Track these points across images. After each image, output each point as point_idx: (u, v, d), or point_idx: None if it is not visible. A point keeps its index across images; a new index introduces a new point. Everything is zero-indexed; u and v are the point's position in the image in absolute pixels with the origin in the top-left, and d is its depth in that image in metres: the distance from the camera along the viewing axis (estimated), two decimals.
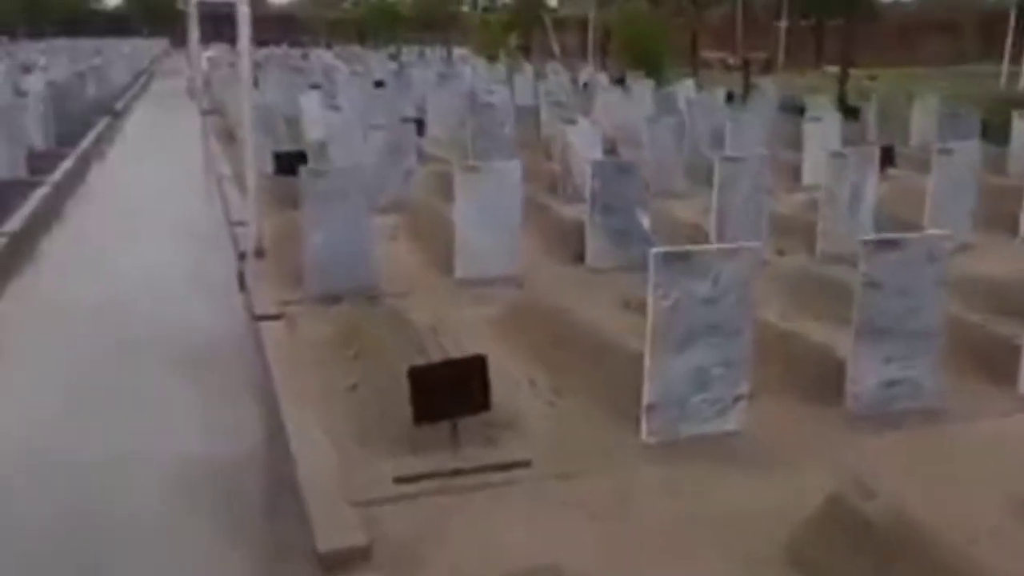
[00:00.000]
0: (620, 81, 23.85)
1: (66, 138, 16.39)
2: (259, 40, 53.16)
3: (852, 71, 32.67)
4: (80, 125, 18.05)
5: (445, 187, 11.93)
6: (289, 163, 10.75)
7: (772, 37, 43.12)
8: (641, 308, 7.26)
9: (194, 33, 35.37)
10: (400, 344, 6.13)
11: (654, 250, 4.57)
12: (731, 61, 40.95)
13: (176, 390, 6.12)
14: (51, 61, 29.43)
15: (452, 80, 24.56)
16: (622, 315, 6.96)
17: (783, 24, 41.65)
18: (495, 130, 11.26)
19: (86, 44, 45.20)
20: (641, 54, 27.87)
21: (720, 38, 42.74)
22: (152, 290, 8.40)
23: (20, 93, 15.39)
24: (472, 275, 7.79)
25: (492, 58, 35.51)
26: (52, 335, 7.29)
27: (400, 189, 10.89)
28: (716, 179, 8.26)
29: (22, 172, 12.74)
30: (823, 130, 12.18)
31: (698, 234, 9.03)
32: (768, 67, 38.35)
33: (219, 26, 47.08)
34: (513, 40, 41.80)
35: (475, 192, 7.70)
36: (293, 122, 15.62)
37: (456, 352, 5.94)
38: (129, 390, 6.11)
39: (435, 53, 44.06)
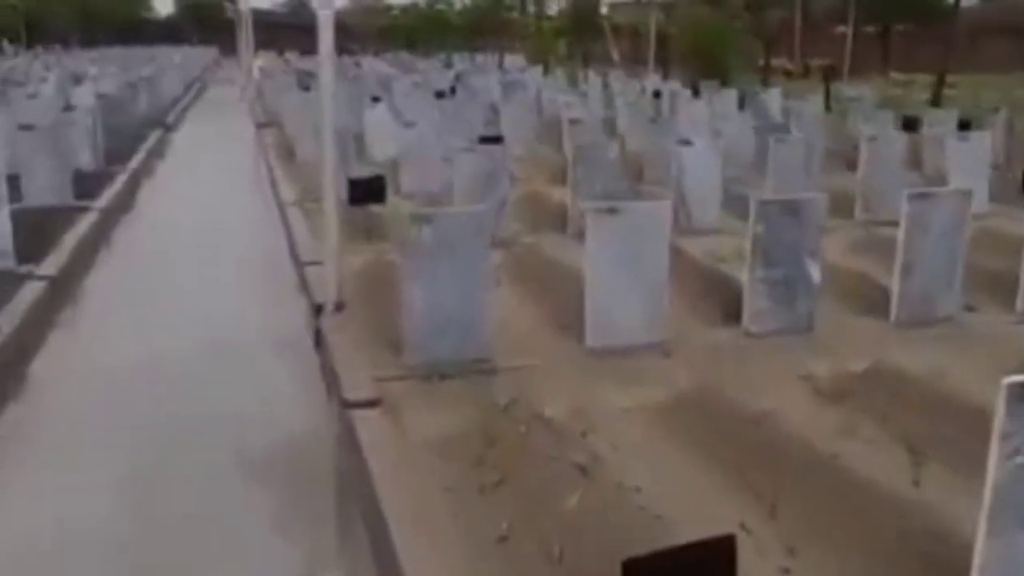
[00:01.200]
0: (694, 90, 22.08)
1: (116, 155, 14.96)
2: (305, 49, 51.78)
3: (920, 78, 30.64)
4: (130, 140, 16.63)
5: (542, 217, 10.38)
6: (367, 190, 9.17)
7: (831, 43, 41.06)
8: (835, 393, 5.55)
9: (245, 42, 34.12)
10: (548, 457, 4.49)
11: (1007, 381, 2.88)
12: (791, 68, 39.00)
13: (234, 534, 4.46)
14: (102, 71, 28.21)
15: (516, 89, 22.94)
16: (818, 405, 5.28)
17: (846, 29, 39.59)
18: (595, 154, 9.59)
19: (137, 53, 44.19)
20: (709, 61, 26.08)
21: (775, 44, 40.78)
22: (208, 352, 6.83)
23: (68, 107, 14.00)
24: (608, 342, 6.13)
25: (543, 64, 33.92)
26: (88, 417, 5.74)
27: (495, 221, 9.25)
28: (903, 220, 6.52)
29: (68, 196, 11.27)
30: (971, 150, 10.38)
31: (870, 287, 7.31)
32: (832, 74, 36.35)
33: (268, 34, 45.88)
34: (562, 47, 40.19)
35: (613, 239, 6.03)
36: (356, 138, 14.05)
37: (627, 470, 4.30)
38: (172, 521, 4.51)
39: (485, 60, 42.52)
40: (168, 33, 75.50)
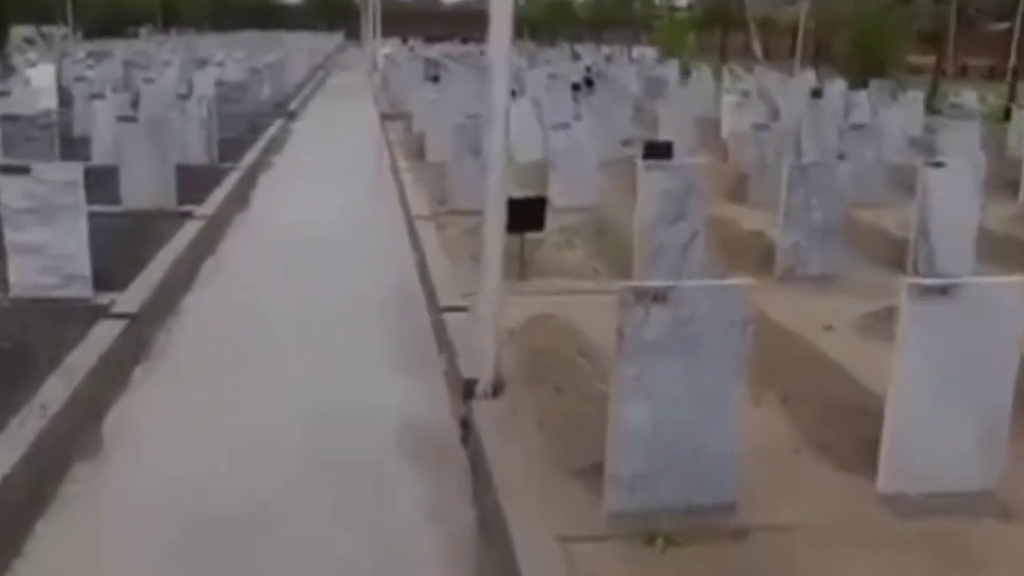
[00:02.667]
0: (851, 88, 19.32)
1: (231, 147, 13.28)
2: (428, 36, 50.26)
3: None
4: (248, 131, 14.98)
5: (731, 250, 8.13)
6: (527, 214, 7.08)
7: (986, 41, 37.24)
8: None
9: (371, 28, 32.61)
10: None
11: None
12: (945, 68, 35.41)
13: None
14: (228, 56, 26.96)
15: (659, 84, 20.63)
16: None
17: (1005, 26, 35.74)
18: (817, 174, 7.25)
19: (266, 38, 43.27)
20: (870, 58, 23.19)
21: (924, 43, 37.15)
22: (315, 450, 4.86)
23: (181, 96, 12.38)
24: (912, 488, 3.90)
25: (678, 58, 31.32)
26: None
27: (681, 265, 7.07)
28: None
29: (170, 199, 9.53)
30: None
31: None
32: (992, 74, 32.75)
33: (393, 20, 44.42)
34: (692, 39, 37.44)
35: (938, 335, 3.78)
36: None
37: None
38: None
39: (612, 52, 40.09)
40: (298, 19, 75.33)
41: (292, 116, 18.95)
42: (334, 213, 10.40)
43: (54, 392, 4.95)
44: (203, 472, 4.55)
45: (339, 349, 6.28)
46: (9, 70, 19.76)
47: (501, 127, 4.96)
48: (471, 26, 60.91)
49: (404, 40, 46.14)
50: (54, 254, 6.57)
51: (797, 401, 4.89)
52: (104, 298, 6.65)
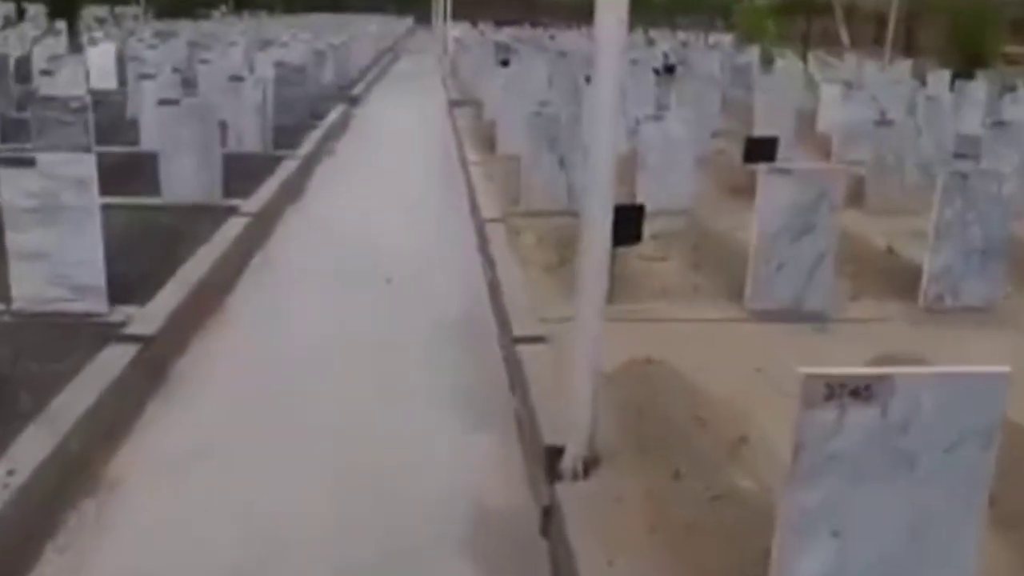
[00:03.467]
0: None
1: (288, 134, 12.21)
2: (498, 20, 48.77)
3: None
4: (308, 116, 13.90)
5: (861, 269, 6.79)
6: (625, 224, 5.79)
7: None
8: None
9: (441, 10, 31.44)
10: None
11: None
12: None
13: None
14: (295, 37, 26.03)
15: (743, 73, 19.10)
16: None
17: None
18: (979, 185, 5.83)
19: (336, 20, 42.31)
20: (971, 47, 21.30)
21: (1015, 31, 34.69)
22: (353, 544, 3.69)
23: (235, 78, 11.35)
24: None
25: (759, 45, 29.53)
26: None
27: (805, 289, 5.75)
28: None
29: (215, 193, 8.46)
30: None
31: None
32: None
33: (463, 4, 43.28)
34: (771, 26, 35.50)
35: None
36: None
37: None
38: None
39: (687, 38, 38.34)
40: (369, 2, 74.46)
41: (356, 101, 17.85)
42: (394, 213, 9.23)
43: (26, 453, 3.86)
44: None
45: (390, 395, 5.06)
46: (76, 49, 18.99)
47: (609, 120, 3.70)
48: (541, 10, 59.38)
49: (474, 24, 44.86)
50: (62, 261, 5.51)
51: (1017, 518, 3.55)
52: (121, 313, 5.58)
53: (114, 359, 4.92)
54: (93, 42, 18.20)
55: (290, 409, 4.84)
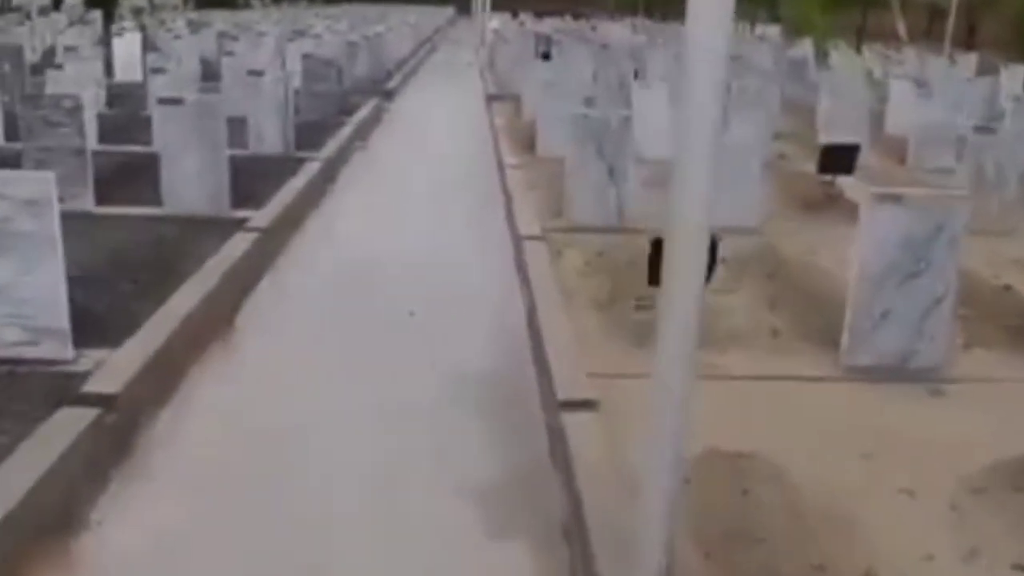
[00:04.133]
0: None
1: (313, 132, 11.24)
2: (539, 11, 47.50)
3: None
4: (337, 113, 12.91)
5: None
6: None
7: None
8: None
9: (481, 1, 30.33)
10: None
11: None
12: None
13: None
14: (330, 28, 25.11)
15: (798, 67, 17.85)
16: None
17: None
18: None
19: (375, 10, 41.32)
20: None
21: None
22: None
23: (253, 73, 10.37)
24: None
25: (799, 34, 28.07)
26: None
27: (918, 339, 4.63)
28: None
29: (223, 203, 7.47)
30: None
31: None
32: None
33: None
34: (819, 18, 33.91)
35: None
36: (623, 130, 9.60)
37: None
38: None
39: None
40: None
41: (389, 95, 16.83)
42: (423, 226, 8.18)
43: None
44: None
45: (394, 489, 4.01)
46: (109, 39, 18.11)
47: (708, 129, 2.61)
48: (583, 1, 57.86)
49: (515, 14, 43.65)
50: (16, 298, 4.54)
51: None
52: (89, 360, 4.61)
53: (69, 423, 3.95)
54: (120, 32, 17.33)
55: (262, 519, 3.83)
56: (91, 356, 4.65)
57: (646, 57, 18.61)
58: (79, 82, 10.03)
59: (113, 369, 4.49)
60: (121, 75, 15.67)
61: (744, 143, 7.51)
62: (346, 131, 11.89)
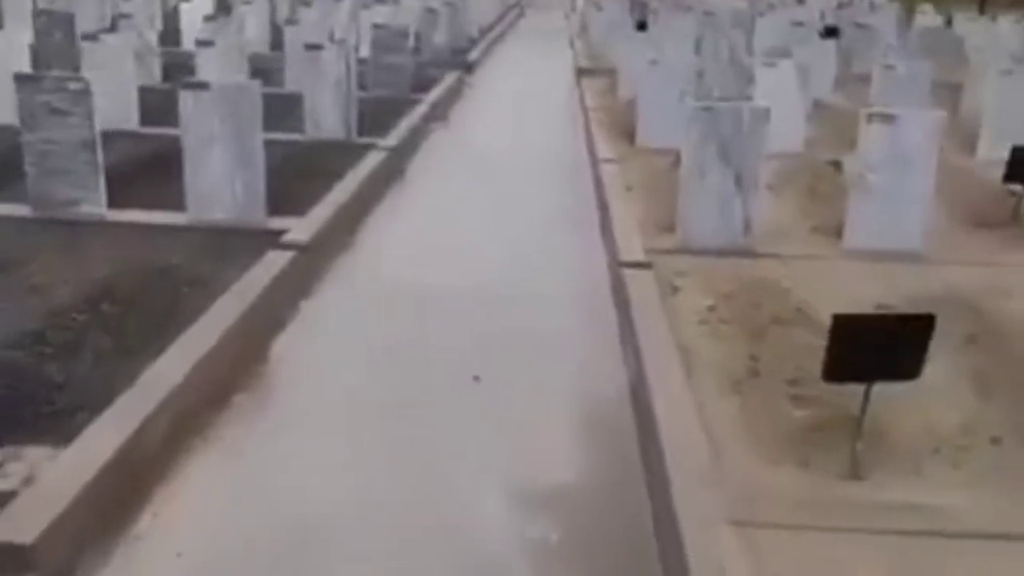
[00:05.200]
0: None
1: (382, 111, 9.79)
2: None
3: None
4: (411, 88, 11.42)
5: None
6: (903, 351, 3.13)
7: None
8: None
9: None
10: None
11: None
12: None
13: None
14: None
15: (938, 38, 15.63)
16: None
17: None
18: None
19: None
20: None
21: None
22: None
23: (311, 47, 8.93)
24: None
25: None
26: None
27: None
28: None
29: (257, 212, 6.04)
30: None
31: None
32: None
33: None
34: None
35: None
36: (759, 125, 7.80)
37: None
38: None
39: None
40: None
41: (470, 68, 15.24)
42: (498, 244, 6.57)
43: None
44: None
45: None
46: (225, 8, 16.69)
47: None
48: None
49: None
50: None
51: None
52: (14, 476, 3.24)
53: None
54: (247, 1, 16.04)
55: None
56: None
57: (756, 25, 16.62)
58: (116, 53, 8.76)
59: (51, 491, 3.10)
60: (189, 44, 14.45)
61: (916, 148, 5.75)
62: (419, 112, 10.38)
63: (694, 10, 19.20)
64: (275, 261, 5.42)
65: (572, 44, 19.11)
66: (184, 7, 15.00)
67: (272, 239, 5.75)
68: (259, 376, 4.43)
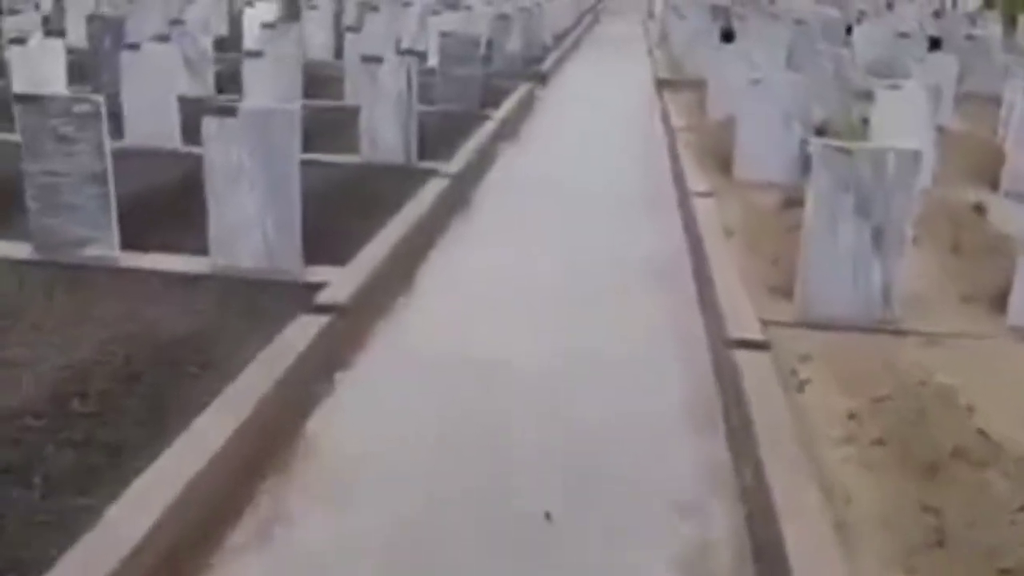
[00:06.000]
0: None
1: (448, 130, 8.80)
2: None
3: None
4: (480, 103, 10.38)
5: None
6: None
7: None
8: None
9: None
10: None
11: None
12: None
13: None
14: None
15: None
16: None
17: None
18: None
19: None
20: None
21: None
22: None
23: (367, 59, 7.89)
24: None
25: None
26: None
27: None
28: None
29: (292, 259, 5.04)
30: None
31: None
32: None
33: None
34: None
35: None
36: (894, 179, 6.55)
37: None
38: None
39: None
40: None
41: (544, 79, 14.14)
42: (569, 306, 5.41)
43: None
44: None
45: None
46: (294, 14, 15.84)
47: None
48: None
49: None
50: None
51: None
52: None
53: None
54: (249, 2, 15.28)
55: None
56: None
57: (853, 36, 15.20)
58: (158, 64, 7.90)
59: None
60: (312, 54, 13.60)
61: None
62: (487, 130, 9.33)
63: (782, 18, 17.81)
64: (306, 328, 4.41)
65: (651, 52, 17.90)
66: (249, 12, 14.23)
67: (306, 296, 4.75)
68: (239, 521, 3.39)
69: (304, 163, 5.08)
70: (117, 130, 7.70)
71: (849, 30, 17.11)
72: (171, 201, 6.09)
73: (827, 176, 4.65)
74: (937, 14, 25.65)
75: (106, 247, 5.13)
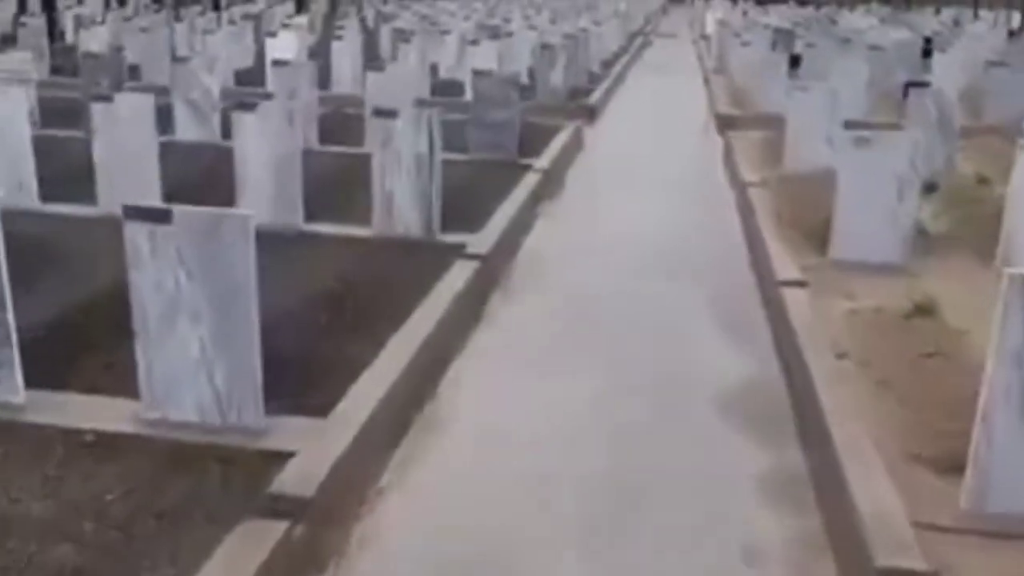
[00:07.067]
0: None
1: (480, 189, 7.40)
2: None
3: None
4: (517, 151, 8.92)
5: None
6: None
7: None
8: None
9: None
10: None
11: None
12: None
13: None
14: (532, 22, 21.27)
15: None
16: None
17: None
18: None
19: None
20: None
21: None
22: None
23: (380, 113, 6.41)
24: None
25: None
26: None
27: None
28: None
29: (252, 426, 3.63)
30: None
31: None
32: None
33: None
34: None
35: None
36: None
37: None
38: None
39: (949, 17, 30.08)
40: None
41: (592, 114, 12.64)
42: (616, 457, 3.95)
43: None
44: None
45: None
46: (328, 39, 14.55)
47: None
48: None
49: (735, 1, 38.13)
50: None
51: None
52: None
53: None
54: (283, 25, 14.06)
55: None
56: None
57: (933, 62, 13.47)
58: (132, 115, 6.58)
59: None
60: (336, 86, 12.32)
61: None
62: (525, 188, 7.83)
63: (853, 42, 16.07)
64: (260, 539, 2.97)
65: (708, 82, 16.30)
66: (270, 42, 12.98)
67: (261, 472, 3.31)
68: None
69: (303, 236, 3.69)
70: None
71: (926, 53, 15.42)
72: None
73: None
74: (1012, 33, 23.64)
75: (7, 391, 3.76)
